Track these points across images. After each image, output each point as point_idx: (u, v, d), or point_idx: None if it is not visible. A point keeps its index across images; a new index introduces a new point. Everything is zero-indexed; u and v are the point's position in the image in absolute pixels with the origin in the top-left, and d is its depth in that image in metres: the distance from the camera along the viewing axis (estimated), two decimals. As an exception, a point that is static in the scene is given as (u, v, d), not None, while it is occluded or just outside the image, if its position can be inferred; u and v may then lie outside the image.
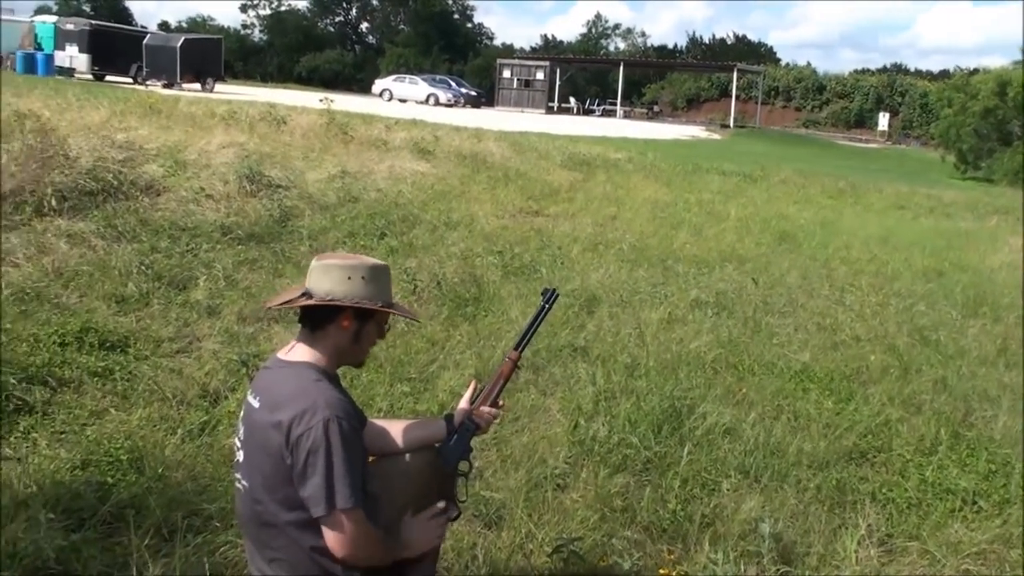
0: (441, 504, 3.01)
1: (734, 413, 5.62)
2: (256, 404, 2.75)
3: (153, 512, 3.75)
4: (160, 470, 4.15)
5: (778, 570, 3.91)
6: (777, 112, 64.00)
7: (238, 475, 2.81)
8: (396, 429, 3.19)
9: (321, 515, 2.60)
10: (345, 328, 2.82)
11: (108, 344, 5.70)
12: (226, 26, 79.19)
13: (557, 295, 3.33)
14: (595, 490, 4.44)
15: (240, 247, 8.55)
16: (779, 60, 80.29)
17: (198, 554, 3.45)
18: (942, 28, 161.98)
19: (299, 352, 2.83)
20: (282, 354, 2.86)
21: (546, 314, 3.28)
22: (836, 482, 4.85)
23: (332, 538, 2.63)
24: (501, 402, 3.24)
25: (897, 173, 29.94)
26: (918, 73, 71.12)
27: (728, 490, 4.60)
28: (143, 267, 7.23)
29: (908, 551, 4.27)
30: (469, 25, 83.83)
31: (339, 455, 2.59)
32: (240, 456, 2.81)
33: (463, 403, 3.21)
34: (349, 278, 2.81)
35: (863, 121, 61.36)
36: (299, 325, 2.85)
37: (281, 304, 2.89)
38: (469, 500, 4.03)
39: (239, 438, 2.82)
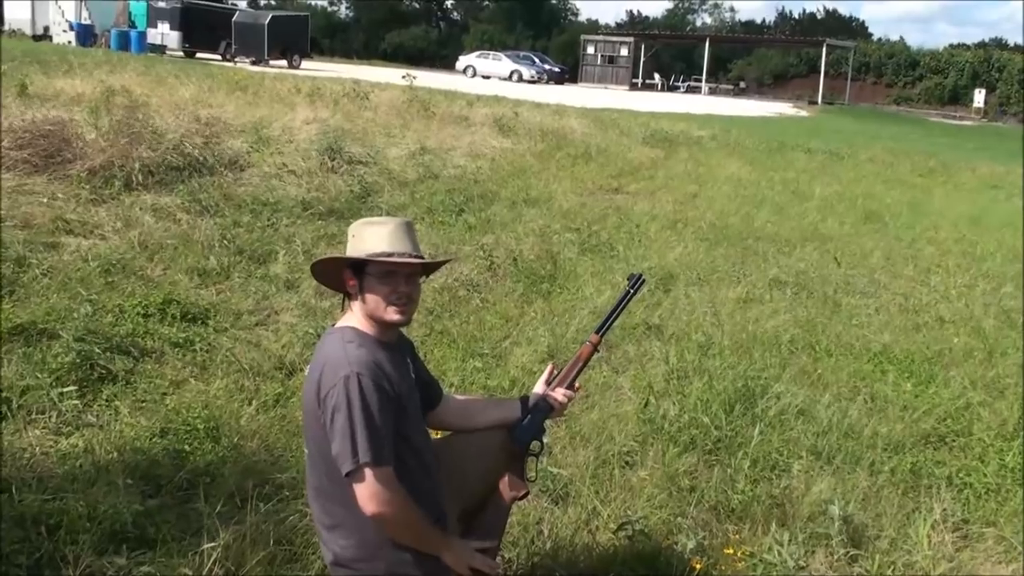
0: (492, 544, 3.02)
1: (808, 394, 5.54)
2: (308, 372, 2.80)
3: (226, 480, 3.85)
4: (235, 439, 4.26)
5: (847, 552, 3.86)
6: (868, 88, 62.51)
7: (305, 445, 2.87)
8: (474, 407, 3.23)
9: (348, 471, 2.59)
10: (352, 286, 2.83)
11: (189, 316, 5.84)
12: (313, 3, 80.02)
13: (643, 281, 3.30)
14: (663, 469, 4.42)
15: (320, 222, 8.69)
16: (871, 35, 78.44)
17: (268, 522, 3.53)
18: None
19: (343, 318, 2.88)
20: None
21: (631, 299, 3.26)
22: (911, 465, 4.76)
23: (358, 494, 2.62)
24: (577, 385, 3.24)
25: (992, 152, 29.03)
26: (1017, 48, 68.66)
27: (799, 472, 4.54)
28: (225, 241, 7.40)
29: (984, 537, 4.18)
30: (553, 1, 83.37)
31: (359, 411, 2.59)
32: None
33: (539, 384, 3.22)
34: (347, 240, 2.87)
35: (958, 98, 59.58)
36: None
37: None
38: (537, 476, 4.07)
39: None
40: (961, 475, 4.74)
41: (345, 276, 2.83)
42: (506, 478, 3.07)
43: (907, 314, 7.76)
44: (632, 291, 3.24)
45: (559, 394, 3.16)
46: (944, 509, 4.29)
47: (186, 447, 4.15)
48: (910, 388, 5.91)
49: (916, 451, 4.99)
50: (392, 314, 2.79)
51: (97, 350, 4.94)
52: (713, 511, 4.17)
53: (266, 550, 3.35)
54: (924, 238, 11.52)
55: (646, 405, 5.13)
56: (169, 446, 4.14)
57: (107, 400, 4.59)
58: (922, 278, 9.19)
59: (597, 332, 3.22)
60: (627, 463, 4.55)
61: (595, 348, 3.22)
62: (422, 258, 2.83)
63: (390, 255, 2.75)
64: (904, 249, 10.66)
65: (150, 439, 4.21)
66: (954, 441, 5.21)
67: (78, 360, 4.78)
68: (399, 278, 2.78)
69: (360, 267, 2.78)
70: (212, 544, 3.30)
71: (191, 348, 5.39)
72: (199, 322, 5.82)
